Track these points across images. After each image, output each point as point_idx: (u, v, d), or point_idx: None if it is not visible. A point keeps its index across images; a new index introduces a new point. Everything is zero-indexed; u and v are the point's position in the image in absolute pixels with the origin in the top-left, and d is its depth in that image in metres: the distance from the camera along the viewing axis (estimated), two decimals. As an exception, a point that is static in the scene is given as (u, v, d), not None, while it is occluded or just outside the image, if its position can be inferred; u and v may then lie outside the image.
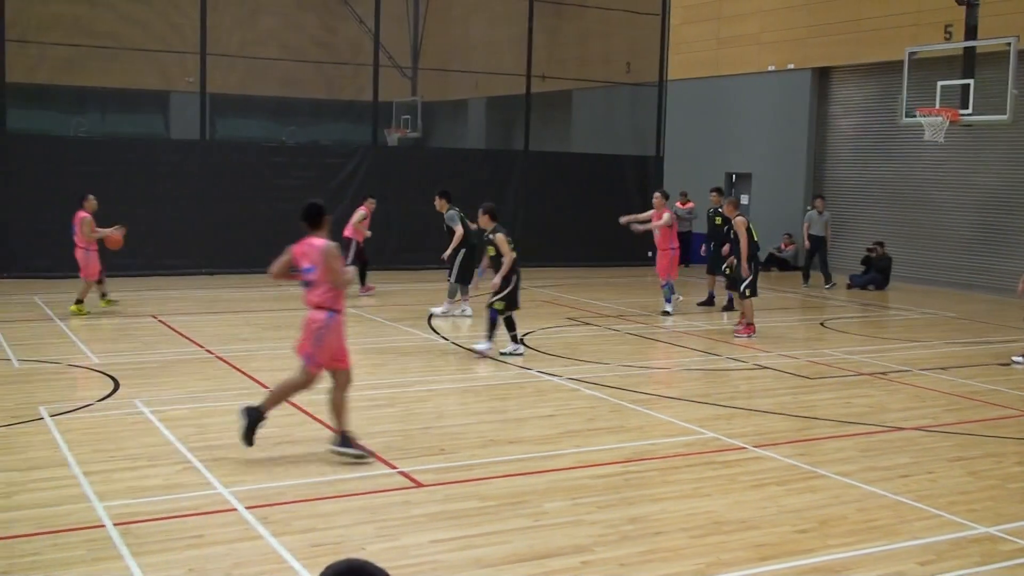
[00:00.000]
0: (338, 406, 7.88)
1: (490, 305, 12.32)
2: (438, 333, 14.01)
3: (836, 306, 18.31)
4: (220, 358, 11.81)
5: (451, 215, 15.64)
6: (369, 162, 21.86)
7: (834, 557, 6.12)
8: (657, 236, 16.03)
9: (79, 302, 14.76)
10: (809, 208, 21.33)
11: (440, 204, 15.84)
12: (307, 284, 7.77)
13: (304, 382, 7.84)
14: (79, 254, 14.73)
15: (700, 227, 19.49)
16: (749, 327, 14.10)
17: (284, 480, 7.31)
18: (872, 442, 8.82)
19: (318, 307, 7.75)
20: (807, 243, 20.70)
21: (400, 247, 21.69)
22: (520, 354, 12.23)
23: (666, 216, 15.80)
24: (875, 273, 20.81)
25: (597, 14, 25.81)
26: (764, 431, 9.06)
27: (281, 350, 12.40)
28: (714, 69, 26.08)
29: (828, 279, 20.49)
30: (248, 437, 7.72)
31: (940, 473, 7.92)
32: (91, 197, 14.92)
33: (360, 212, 17.55)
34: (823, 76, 24.05)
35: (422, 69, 30.33)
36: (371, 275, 20.47)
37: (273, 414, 9.22)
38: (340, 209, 21.32)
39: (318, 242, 7.72)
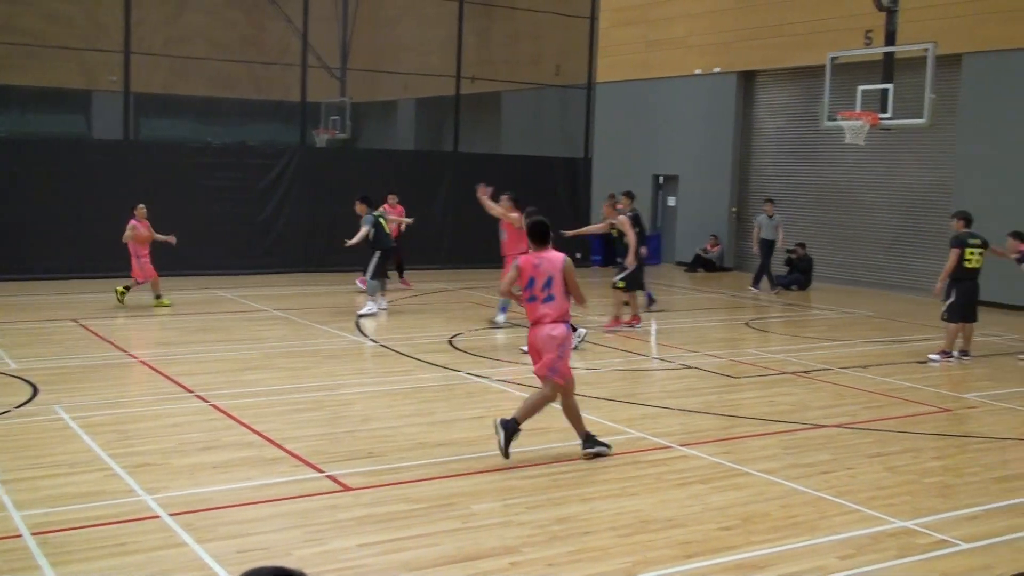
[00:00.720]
0: (574, 411, 8.17)
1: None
2: (365, 335, 13.95)
3: (759, 306, 18.61)
4: (143, 362, 11.62)
5: (367, 218, 15.81)
6: (297, 163, 21.69)
7: (757, 553, 6.23)
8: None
9: (157, 297, 15.97)
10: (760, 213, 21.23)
11: (360, 208, 15.95)
12: (533, 299, 8.00)
13: (553, 396, 8.09)
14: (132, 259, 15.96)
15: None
16: (616, 320, 14.45)
17: (209, 486, 7.23)
18: (795, 440, 8.99)
19: (556, 321, 7.95)
20: (756, 247, 20.52)
21: (329, 248, 21.52)
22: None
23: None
24: (797, 274, 21.20)
25: (527, 16, 25.92)
26: (690, 430, 9.18)
27: (207, 353, 12.27)
28: (642, 72, 26.34)
29: (772, 284, 20.50)
30: (506, 449, 7.89)
31: (860, 469, 8.10)
32: (140, 205, 16.06)
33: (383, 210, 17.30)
34: (748, 80, 24.43)
35: (351, 70, 30.18)
36: (300, 277, 20.34)
37: (200, 419, 9.11)
38: (268, 210, 21.27)
39: (556, 256, 8.02)
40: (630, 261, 14.60)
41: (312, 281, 19.63)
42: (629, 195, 16.87)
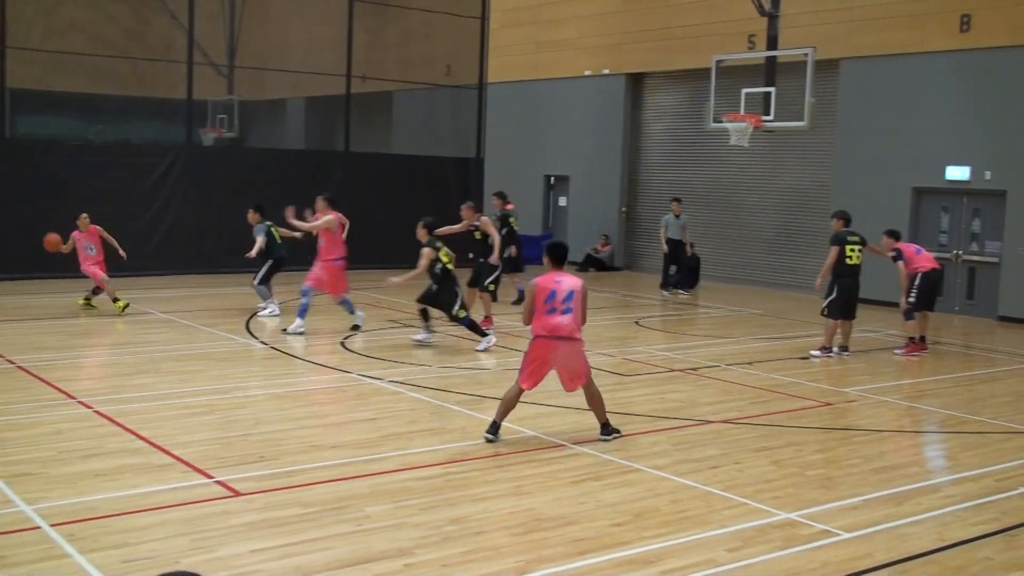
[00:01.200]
0: (598, 398, 8.99)
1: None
2: (256, 337, 13.73)
3: (649, 305, 18.92)
4: (22, 368, 11.22)
5: (259, 228, 15.68)
6: (183, 162, 21.21)
7: (649, 548, 6.34)
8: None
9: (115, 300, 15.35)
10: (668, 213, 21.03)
11: (252, 217, 15.86)
12: (552, 311, 8.56)
13: (598, 390, 8.99)
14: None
15: (523, 228, 19.71)
16: (487, 320, 14.50)
17: (93, 494, 7.02)
18: (684, 435, 9.17)
19: (573, 334, 8.62)
20: (664, 248, 20.43)
21: (217, 249, 21.10)
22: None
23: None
24: (685, 273, 21.61)
25: (418, 16, 25.81)
26: (582, 428, 9.29)
27: (90, 358, 11.92)
28: (533, 73, 26.54)
29: (686, 286, 20.40)
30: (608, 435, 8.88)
31: (746, 463, 8.32)
32: (83, 215, 15.62)
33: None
34: (637, 81, 24.82)
35: (238, 67, 29.61)
36: (188, 279, 19.88)
37: (84, 425, 8.87)
38: (153, 210, 20.74)
39: (575, 278, 8.75)
40: (494, 260, 14.84)
41: (201, 283, 19.22)
42: (500, 195, 17.11)
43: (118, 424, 8.83)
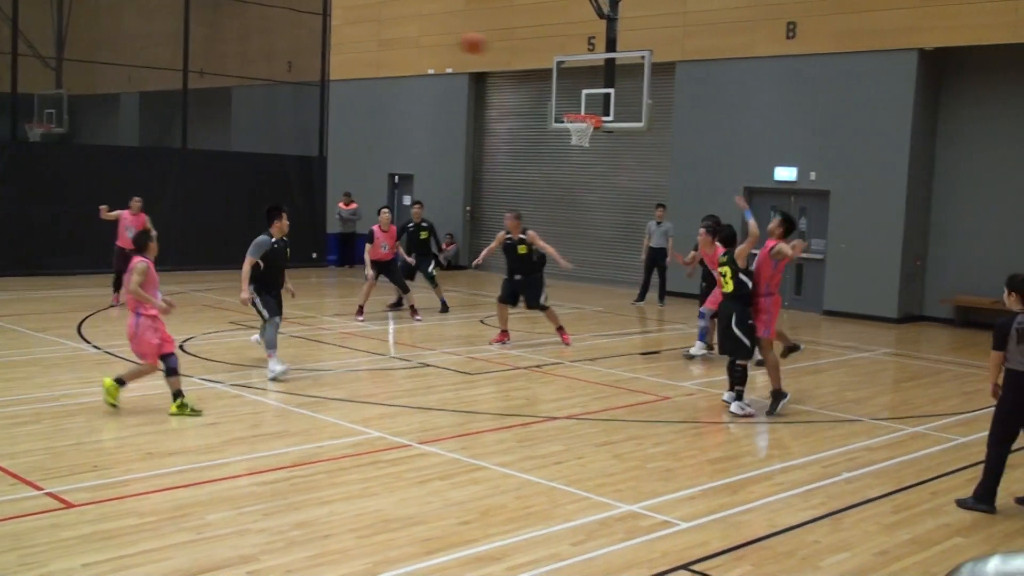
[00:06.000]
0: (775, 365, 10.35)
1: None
2: (89, 342, 13.21)
3: (492, 303, 19.03)
4: None
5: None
6: (9, 159, 20.19)
7: (495, 545, 6.40)
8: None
9: None
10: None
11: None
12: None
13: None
14: None
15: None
16: (504, 335, 14.09)
17: (-89, 511, 6.63)
18: (529, 432, 9.30)
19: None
20: (644, 256, 19.29)
21: (46, 250, 20.18)
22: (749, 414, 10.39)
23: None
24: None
25: (258, 11, 25.32)
26: (428, 427, 9.31)
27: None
28: (375, 71, 26.38)
29: (661, 297, 19.28)
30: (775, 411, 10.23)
31: (589, 458, 8.50)
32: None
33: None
34: (480, 81, 24.97)
35: (67, 60, 28.41)
36: (13, 281, 18.94)
37: None
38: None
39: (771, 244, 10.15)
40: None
41: (28, 285, 18.34)
42: (419, 204, 17.00)
43: (-62, 436, 8.36)
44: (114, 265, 15.88)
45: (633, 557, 6.28)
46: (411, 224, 17.64)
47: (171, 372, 9.46)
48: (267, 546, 6.26)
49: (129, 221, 15.90)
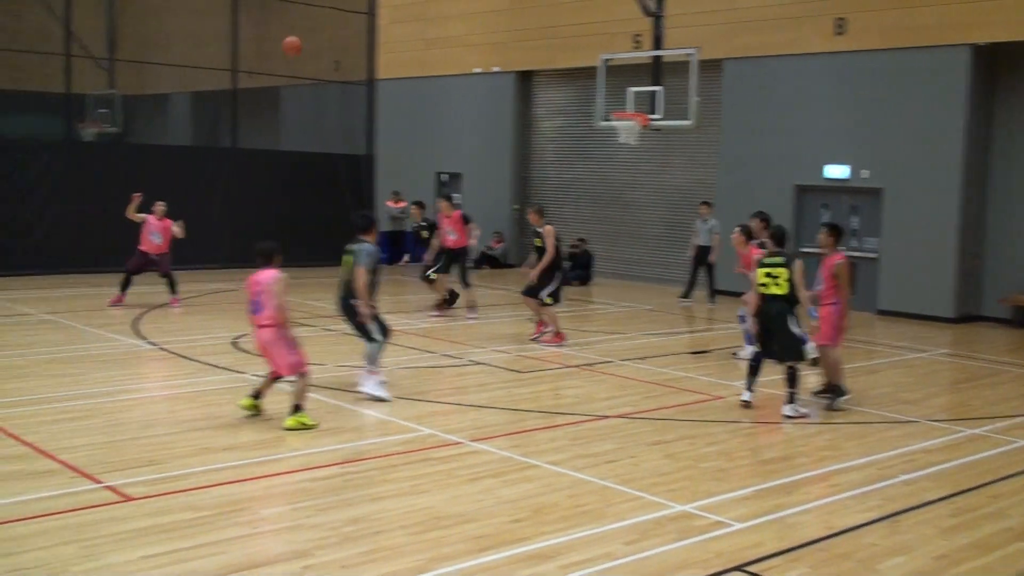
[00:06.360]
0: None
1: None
2: (145, 339, 13.37)
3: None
4: None
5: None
6: (63, 158, 20.50)
7: (548, 543, 6.38)
8: None
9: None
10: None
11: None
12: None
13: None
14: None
15: (411, 226, 19.62)
16: (558, 336, 13.90)
17: (-27, 503, 6.75)
18: (580, 431, 9.26)
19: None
20: (691, 254, 18.94)
21: (101, 248, 20.44)
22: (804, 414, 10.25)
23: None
24: (579, 269, 21.85)
25: (305, 10, 25.46)
26: (479, 425, 9.31)
27: (-35, 362, 11.45)
28: (422, 69, 26.44)
29: (711, 296, 18.83)
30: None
31: (641, 457, 8.44)
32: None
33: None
34: (526, 79, 24.95)
35: (119, 60, 28.79)
36: (70, 278, 19.22)
37: None
38: (33, 207, 19.98)
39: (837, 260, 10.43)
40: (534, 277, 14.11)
41: (84, 283, 18.61)
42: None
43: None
44: (128, 265, 15.99)
45: (687, 557, 6.23)
46: (413, 226, 17.72)
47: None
48: (321, 541, 6.29)
49: (155, 226, 15.95)
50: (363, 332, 10.46)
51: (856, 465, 8.49)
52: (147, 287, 16.64)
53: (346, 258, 10.35)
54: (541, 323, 14.17)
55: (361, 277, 10.16)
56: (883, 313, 18.57)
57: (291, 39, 15.97)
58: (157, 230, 15.94)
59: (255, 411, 9.22)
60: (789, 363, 10.04)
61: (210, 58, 24.32)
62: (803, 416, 10.00)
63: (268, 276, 9.04)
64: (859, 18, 18.71)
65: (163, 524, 6.48)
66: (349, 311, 10.46)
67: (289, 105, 29.35)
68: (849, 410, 10.35)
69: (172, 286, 16.03)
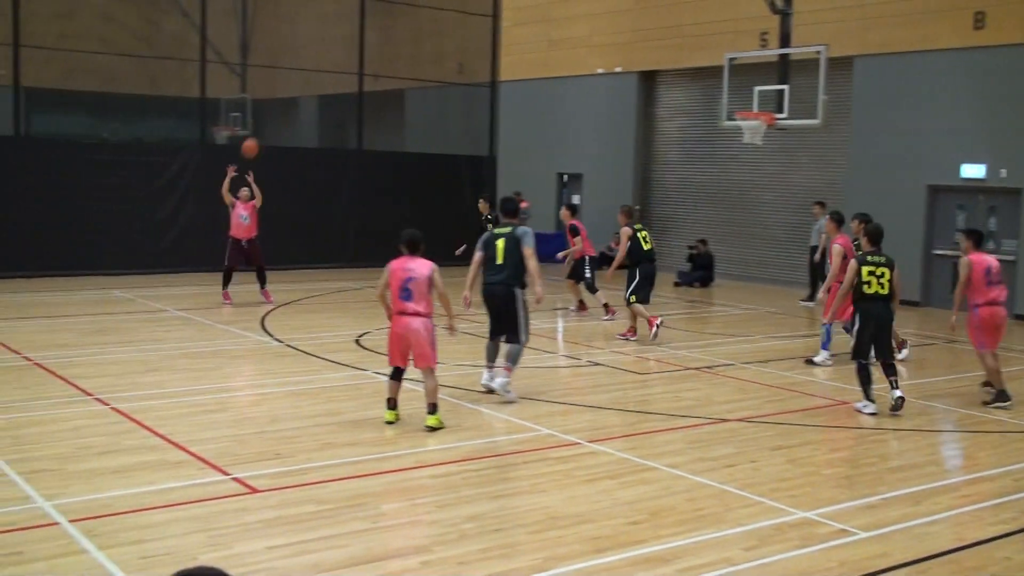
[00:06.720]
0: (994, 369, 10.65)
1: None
2: (272, 335, 13.75)
3: (664, 303, 18.85)
4: (39, 364, 11.25)
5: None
6: (197, 161, 21.24)
7: (665, 547, 6.32)
8: None
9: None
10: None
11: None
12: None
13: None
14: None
15: (536, 226, 19.65)
16: (630, 330, 14.28)
17: (110, 491, 7.04)
18: (699, 434, 9.15)
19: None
20: (814, 256, 18.18)
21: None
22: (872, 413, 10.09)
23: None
24: (700, 270, 21.57)
25: (429, 14, 25.82)
26: (597, 426, 9.27)
27: (105, 355, 11.95)
28: (544, 71, 26.50)
29: (810, 297, 18.45)
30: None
31: (762, 462, 8.29)
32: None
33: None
34: (649, 79, 24.77)
35: (251, 65, 29.65)
36: (202, 276, 19.89)
37: (100, 422, 8.90)
38: (168, 208, 20.76)
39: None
40: (609, 277, 15.13)
41: (215, 281, 19.22)
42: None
43: (134, 421, 8.86)
44: (230, 260, 16.46)
45: (809, 566, 6.09)
46: (483, 217, 17.74)
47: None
48: (439, 537, 6.36)
49: (243, 208, 16.50)
50: (513, 326, 10.13)
51: (990, 475, 8.16)
52: (274, 285, 17.08)
53: (498, 243, 10.10)
54: (631, 329, 14.35)
55: (533, 258, 9.96)
56: (1022, 318, 17.80)
57: (249, 142, 16.89)
58: (245, 211, 16.44)
59: (397, 419, 9.11)
60: (884, 360, 10.14)
61: (337, 62, 24.87)
62: (871, 414, 9.98)
63: (421, 265, 8.94)
64: (1000, 11, 17.99)
65: (287, 516, 6.65)
66: (507, 298, 10.10)
67: (413, 107, 29.78)
68: (976, 423, 9.96)
69: (263, 281, 16.46)
